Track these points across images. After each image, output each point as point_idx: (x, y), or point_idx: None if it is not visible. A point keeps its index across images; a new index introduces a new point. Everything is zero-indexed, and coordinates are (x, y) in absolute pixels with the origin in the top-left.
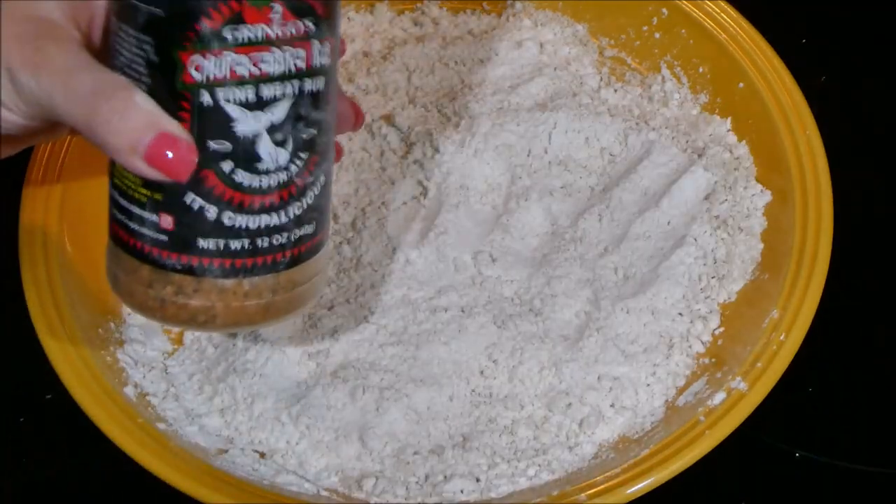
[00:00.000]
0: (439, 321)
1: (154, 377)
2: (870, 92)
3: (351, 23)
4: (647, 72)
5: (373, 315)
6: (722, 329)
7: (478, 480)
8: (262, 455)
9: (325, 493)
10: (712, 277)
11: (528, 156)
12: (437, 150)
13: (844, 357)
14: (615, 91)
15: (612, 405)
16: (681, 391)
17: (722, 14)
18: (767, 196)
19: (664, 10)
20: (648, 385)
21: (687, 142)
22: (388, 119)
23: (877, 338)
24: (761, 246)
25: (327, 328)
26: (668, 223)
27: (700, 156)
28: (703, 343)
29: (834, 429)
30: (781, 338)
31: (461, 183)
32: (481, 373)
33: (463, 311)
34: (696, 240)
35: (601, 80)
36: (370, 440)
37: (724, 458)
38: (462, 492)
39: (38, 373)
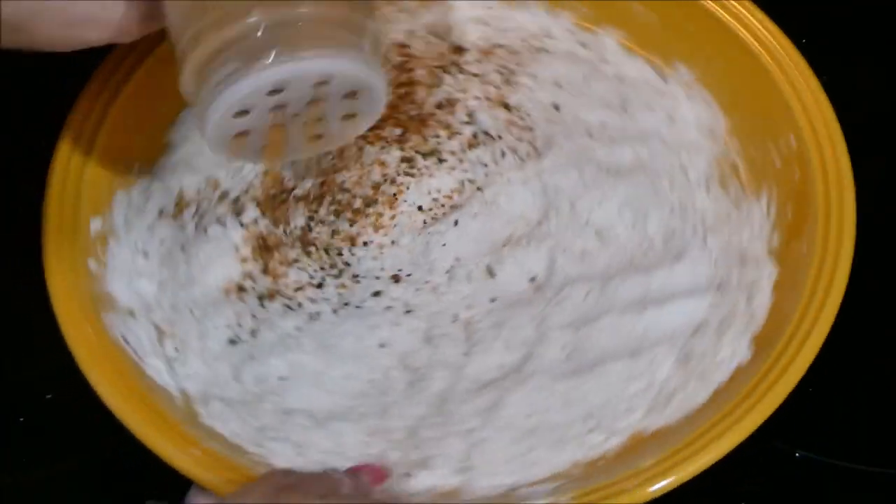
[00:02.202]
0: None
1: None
2: (870, 92)
3: None
4: (751, 195)
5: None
6: None
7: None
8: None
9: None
10: None
11: (571, 209)
12: (496, 163)
13: (844, 357)
14: (708, 193)
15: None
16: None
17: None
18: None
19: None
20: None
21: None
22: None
23: (877, 337)
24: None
25: None
26: (642, 331)
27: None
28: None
29: (834, 429)
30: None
31: (493, 199)
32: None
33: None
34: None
35: (707, 181)
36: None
37: (724, 458)
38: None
39: (39, 373)
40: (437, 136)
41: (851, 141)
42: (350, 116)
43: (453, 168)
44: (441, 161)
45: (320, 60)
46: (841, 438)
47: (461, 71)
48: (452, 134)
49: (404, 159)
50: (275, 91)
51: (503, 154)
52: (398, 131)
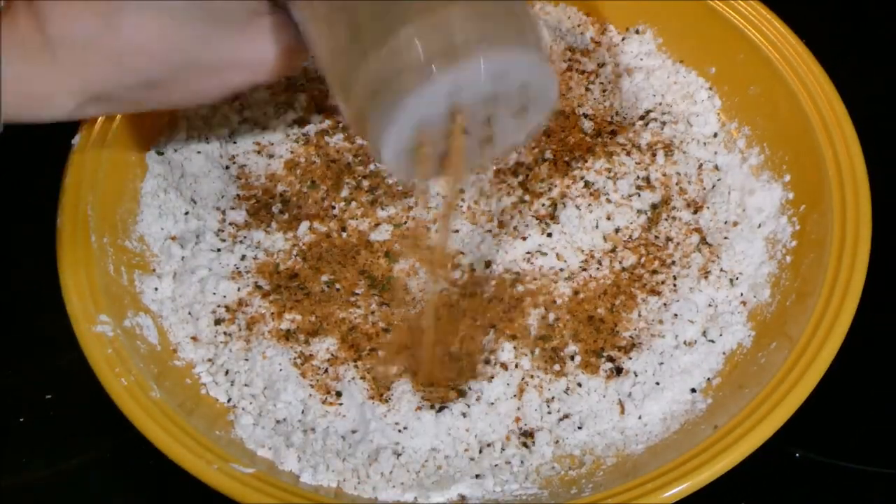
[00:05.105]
0: None
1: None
2: (870, 92)
3: None
4: None
5: None
6: None
7: None
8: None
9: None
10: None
11: None
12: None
13: (844, 356)
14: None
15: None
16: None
17: None
18: None
19: None
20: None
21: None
22: None
23: (877, 337)
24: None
25: None
26: None
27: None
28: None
29: (834, 429)
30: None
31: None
32: None
33: None
34: None
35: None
36: None
37: None
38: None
39: (38, 373)
40: None
41: None
42: (522, 112)
43: None
44: None
45: (486, 55)
46: (841, 438)
47: None
48: None
49: None
50: (449, 94)
51: None
52: None
